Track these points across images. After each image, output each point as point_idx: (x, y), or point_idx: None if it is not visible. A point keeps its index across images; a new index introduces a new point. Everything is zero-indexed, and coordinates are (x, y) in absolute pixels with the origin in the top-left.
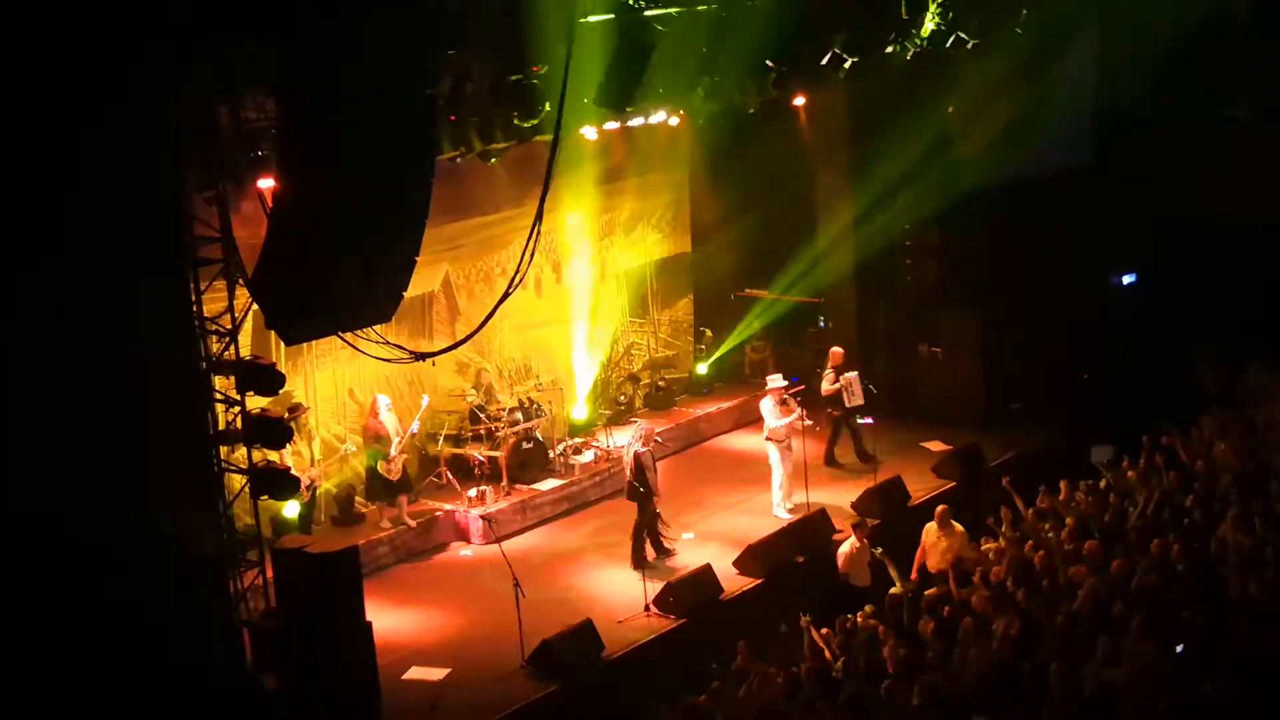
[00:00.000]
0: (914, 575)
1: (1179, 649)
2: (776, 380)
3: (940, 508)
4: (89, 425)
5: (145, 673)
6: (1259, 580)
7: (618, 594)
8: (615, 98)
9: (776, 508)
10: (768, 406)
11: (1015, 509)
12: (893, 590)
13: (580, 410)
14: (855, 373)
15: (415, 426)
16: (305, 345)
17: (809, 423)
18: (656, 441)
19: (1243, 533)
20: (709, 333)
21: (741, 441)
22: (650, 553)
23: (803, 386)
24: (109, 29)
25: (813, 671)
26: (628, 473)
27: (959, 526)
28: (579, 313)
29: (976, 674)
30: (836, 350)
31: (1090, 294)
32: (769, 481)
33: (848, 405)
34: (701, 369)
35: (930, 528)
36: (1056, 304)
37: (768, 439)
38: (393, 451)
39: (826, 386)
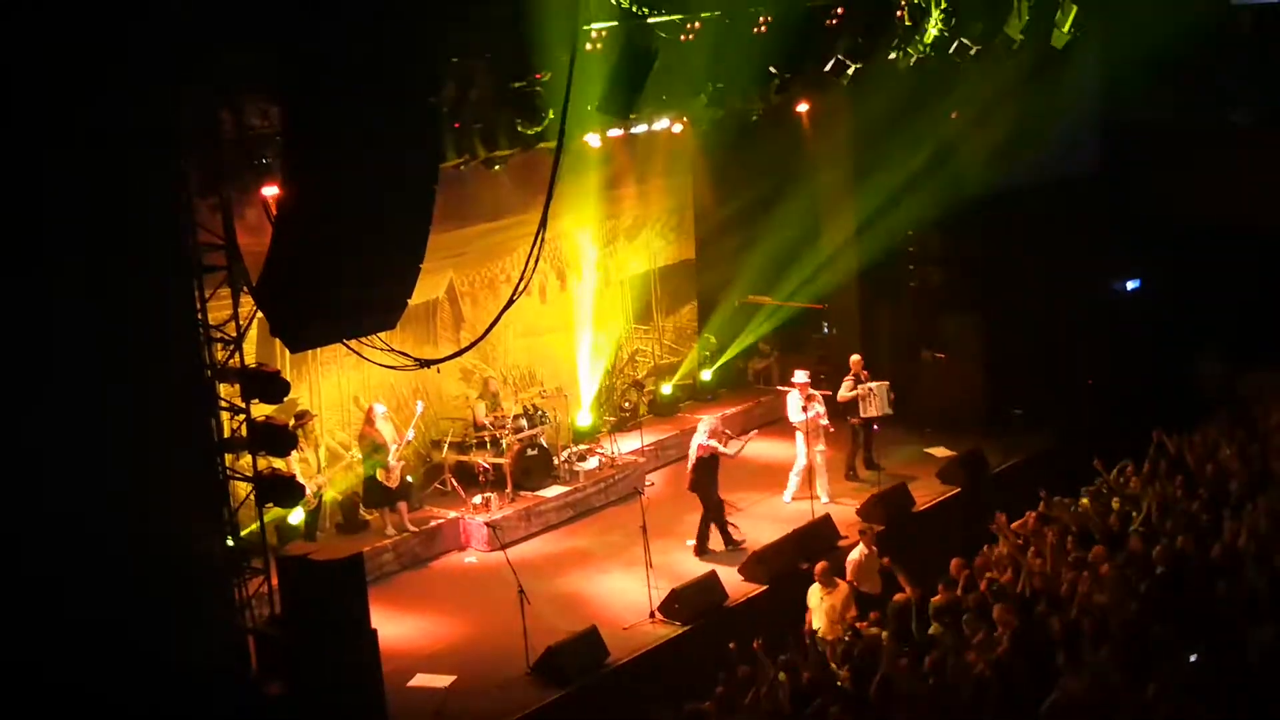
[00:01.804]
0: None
1: (1192, 657)
2: (800, 376)
3: (820, 565)
4: (92, 432)
5: (149, 680)
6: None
7: (623, 600)
8: (619, 105)
9: (786, 494)
10: (792, 400)
11: (1018, 518)
12: (897, 596)
13: (584, 417)
14: (884, 383)
15: (411, 434)
16: (310, 353)
17: (825, 423)
18: (726, 434)
19: (1247, 536)
20: (713, 339)
21: (746, 447)
22: (719, 543)
23: (828, 393)
24: (109, 30)
25: (817, 678)
26: (689, 465)
27: (842, 583)
28: (583, 319)
29: (981, 680)
30: (856, 357)
31: (1093, 299)
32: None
33: (863, 414)
34: (706, 375)
35: (814, 588)
36: (1059, 309)
37: (795, 428)
38: (391, 460)
39: (843, 393)
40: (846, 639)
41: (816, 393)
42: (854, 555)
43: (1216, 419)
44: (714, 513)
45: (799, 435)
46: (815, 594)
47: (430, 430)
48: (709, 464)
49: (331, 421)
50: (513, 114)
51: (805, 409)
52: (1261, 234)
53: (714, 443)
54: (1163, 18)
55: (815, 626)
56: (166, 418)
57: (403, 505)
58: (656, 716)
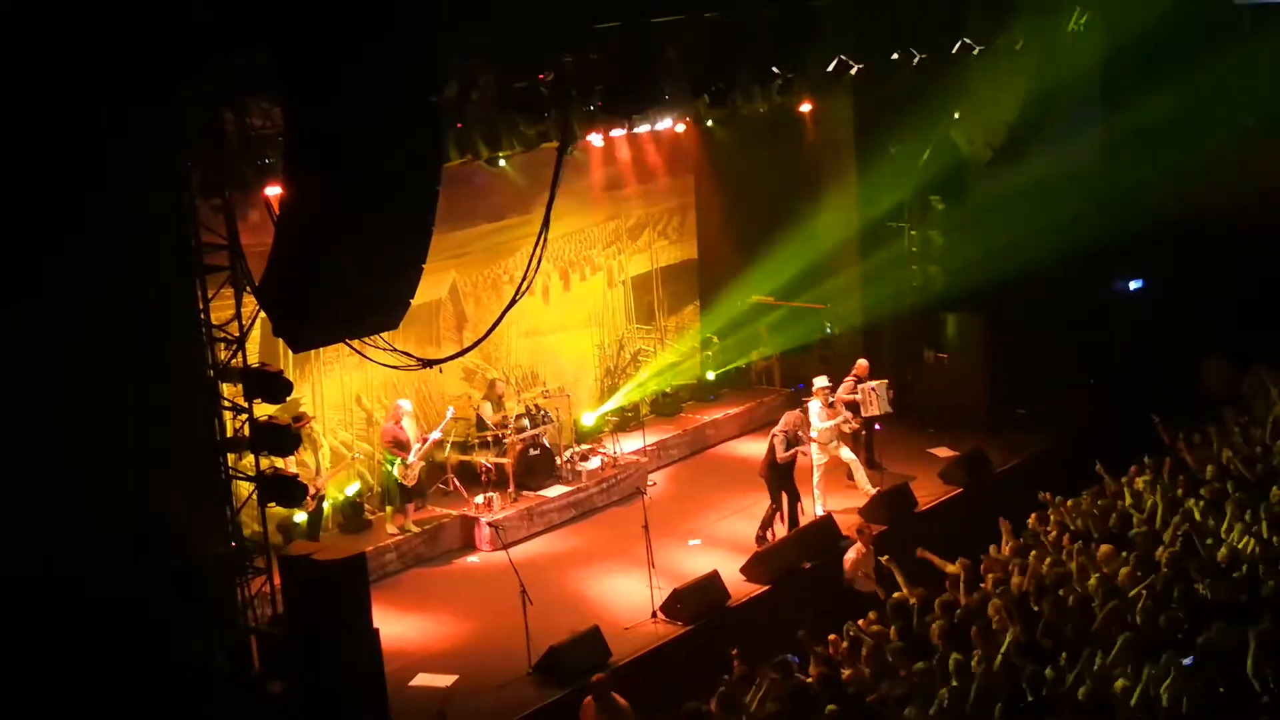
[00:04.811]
0: None
1: (1188, 660)
2: (821, 381)
3: (597, 676)
4: (96, 431)
5: (151, 679)
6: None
7: (625, 601)
8: (622, 104)
9: (817, 505)
10: (814, 409)
11: (1019, 522)
12: (896, 595)
13: (588, 417)
14: (883, 381)
15: (437, 434)
16: (313, 353)
17: (855, 426)
18: (798, 435)
19: (1249, 536)
20: (715, 339)
21: (748, 448)
22: (785, 532)
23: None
24: (112, 30)
25: (818, 677)
26: (765, 454)
27: (622, 700)
28: (586, 320)
29: (981, 679)
30: (862, 362)
31: (1096, 298)
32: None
33: (864, 414)
34: (710, 376)
35: (587, 703)
36: (1062, 308)
37: (813, 440)
38: (412, 458)
39: (843, 395)
40: (850, 634)
41: (838, 400)
42: (850, 554)
43: (1219, 418)
44: (782, 505)
45: (816, 449)
46: (589, 710)
47: (432, 430)
48: (777, 455)
49: (333, 421)
50: (515, 114)
51: (828, 417)
52: (1265, 232)
53: (789, 442)
54: (1166, 17)
55: None
56: (169, 417)
57: (410, 505)
58: (658, 716)
